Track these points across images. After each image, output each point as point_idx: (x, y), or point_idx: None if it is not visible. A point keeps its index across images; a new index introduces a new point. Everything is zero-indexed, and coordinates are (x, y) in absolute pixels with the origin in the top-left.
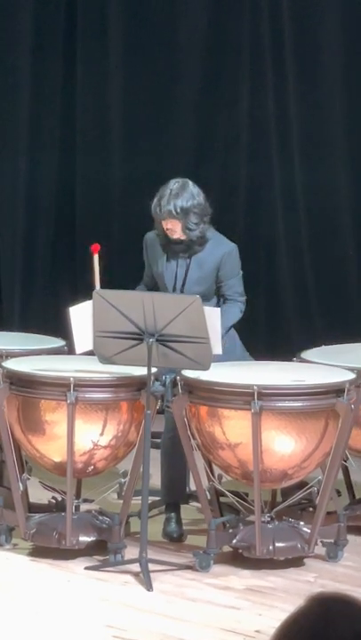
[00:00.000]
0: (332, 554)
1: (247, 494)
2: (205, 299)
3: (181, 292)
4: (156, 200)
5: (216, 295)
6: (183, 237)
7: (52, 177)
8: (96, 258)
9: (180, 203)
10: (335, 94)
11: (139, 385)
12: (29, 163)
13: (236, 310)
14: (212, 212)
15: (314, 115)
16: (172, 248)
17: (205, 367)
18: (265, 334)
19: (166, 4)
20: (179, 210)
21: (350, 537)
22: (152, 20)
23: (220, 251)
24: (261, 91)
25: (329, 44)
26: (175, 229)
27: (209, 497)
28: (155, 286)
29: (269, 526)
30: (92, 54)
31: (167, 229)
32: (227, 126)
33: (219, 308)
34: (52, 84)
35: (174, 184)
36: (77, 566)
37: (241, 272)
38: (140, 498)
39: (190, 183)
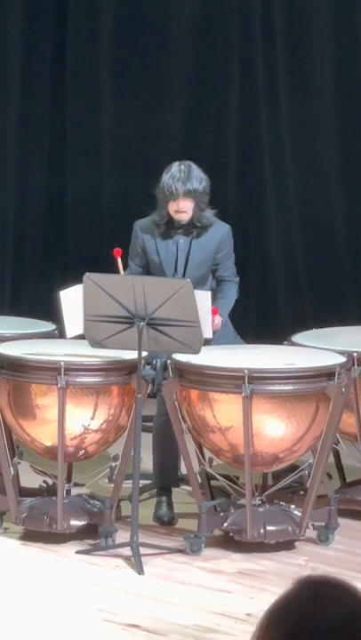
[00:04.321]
0: (323, 537)
1: (238, 478)
2: (204, 281)
3: (183, 276)
4: (168, 180)
5: (212, 277)
6: (189, 219)
7: (42, 172)
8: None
9: (195, 182)
10: (327, 99)
11: (129, 369)
12: (21, 158)
13: (235, 291)
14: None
15: (305, 114)
16: (172, 232)
17: (196, 351)
18: (256, 318)
19: (156, 12)
20: (193, 189)
21: (341, 520)
22: (142, 31)
23: (219, 233)
24: (252, 100)
25: (320, 45)
26: (187, 210)
27: (200, 480)
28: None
29: (260, 510)
30: (82, 62)
31: (177, 211)
32: (216, 133)
33: (209, 292)
34: (42, 85)
35: (180, 166)
36: (68, 550)
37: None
38: (130, 481)
39: (194, 165)
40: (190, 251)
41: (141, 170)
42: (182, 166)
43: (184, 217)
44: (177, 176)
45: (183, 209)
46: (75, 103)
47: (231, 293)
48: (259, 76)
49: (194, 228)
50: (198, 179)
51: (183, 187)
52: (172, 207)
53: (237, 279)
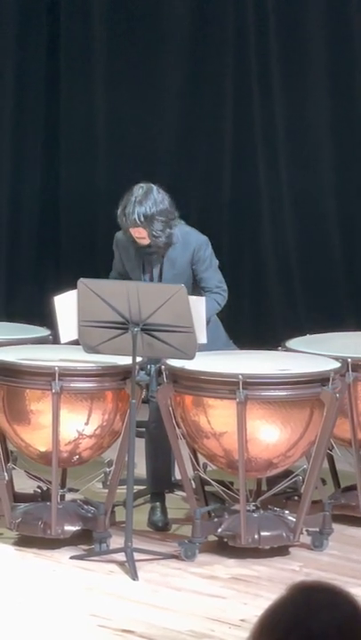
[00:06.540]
0: (318, 543)
1: (232, 483)
2: None
3: None
4: (120, 209)
5: (197, 288)
6: (151, 243)
7: (36, 172)
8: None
9: (143, 210)
10: (320, 96)
11: (124, 374)
12: (14, 158)
13: (213, 303)
14: (178, 213)
15: (299, 115)
16: (143, 250)
17: (190, 356)
18: (250, 323)
19: (150, 10)
20: (143, 218)
21: (335, 526)
22: (136, 26)
23: (190, 247)
24: (246, 99)
25: (313, 42)
26: (143, 236)
27: (194, 486)
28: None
29: (255, 515)
30: (75, 60)
31: (135, 237)
32: (210, 134)
33: (204, 297)
34: (36, 84)
35: (138, 190)
36: (63, 556)
37: (217, 262)
38: (125, 487)
39: (155, 189)
40: (162, 267)
41: (138, 171)
42: (140, 191)
43: (143, 242)
44: (129, 203)
45: (138, 236)
46: (68, 102)
47: (208, 305)
48: (253, 71)
49: (160, 249)
50: (151, 204)
51: (131, 216)
52: (129, 232)
53: (223, 287)
